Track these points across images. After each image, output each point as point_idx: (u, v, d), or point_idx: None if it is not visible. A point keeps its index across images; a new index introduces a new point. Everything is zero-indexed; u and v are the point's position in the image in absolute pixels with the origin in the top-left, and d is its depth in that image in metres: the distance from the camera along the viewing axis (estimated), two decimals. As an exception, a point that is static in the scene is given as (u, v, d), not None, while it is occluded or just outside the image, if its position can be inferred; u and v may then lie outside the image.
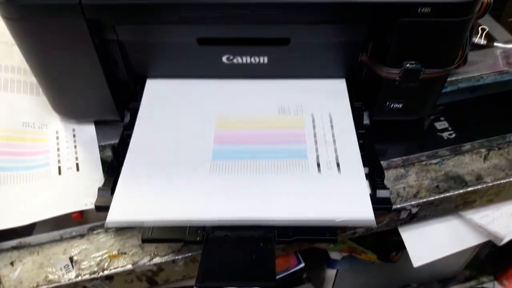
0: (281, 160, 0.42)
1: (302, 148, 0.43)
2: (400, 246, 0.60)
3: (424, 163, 0.50)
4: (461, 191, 0.47)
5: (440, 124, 0.58)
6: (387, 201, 0.41)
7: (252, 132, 0.45)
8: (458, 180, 0.48)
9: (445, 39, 0.41)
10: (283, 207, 0.38)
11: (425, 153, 0.51)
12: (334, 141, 0.44)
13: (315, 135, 0.44)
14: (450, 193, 0.47)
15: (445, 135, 0.56)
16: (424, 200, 0.47)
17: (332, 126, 0.45)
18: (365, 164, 0.42)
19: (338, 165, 0.41)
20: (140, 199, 0.38)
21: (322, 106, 0.47)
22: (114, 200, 0.38)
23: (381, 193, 0.41)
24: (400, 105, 0.47)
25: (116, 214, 0.37)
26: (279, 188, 0.39)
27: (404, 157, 0.50)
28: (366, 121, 0.48)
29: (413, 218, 0.49)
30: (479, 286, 0.93)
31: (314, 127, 0.45)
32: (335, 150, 0.43)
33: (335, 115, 0.46)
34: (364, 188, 0.40)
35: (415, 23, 0.39)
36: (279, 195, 0.39)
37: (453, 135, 0.56)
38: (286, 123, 0.46)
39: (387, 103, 0.47)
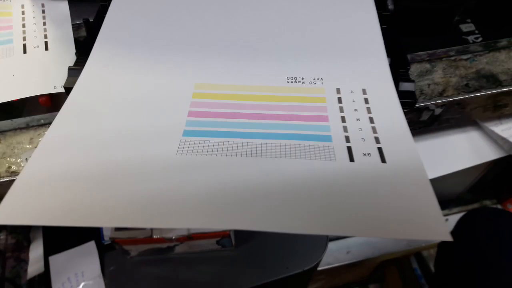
0: (287, 142, 0.28)
1: (322, 126, 0.29)
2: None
3: (453, 58, 0.43)
4: (493, 91, 0.41)
5: (466, 27, 0.51)
6: (411, 95, 0.35)
7: (245, 104, 0.31)
8: (492, 79, 0.41)
9: None
10: (292, 224, 0.23)
11: (454, 48, 0.43)
12: (371, 118, 0.30)
13: (341, 109, 0.30)
14: (481, 93, 0.40)
15: (471, 38, 0.49)
16: (451, 99, 0.40)
17: (366, 98, 0.31)
18: (388, 53, 0.35)
19: (380, 150, 0.27)
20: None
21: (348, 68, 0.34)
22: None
23: (404, 86, 0.35)
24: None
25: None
26: (282, 190, 0.25)
27: (430, 51, 0.43)
28: (390, 5, 0.41)
29: (435, 121, 0.43)
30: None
31: (339, 99, 0.31)
32: (374, 129, 0.29)
33: (369, 77, 0.33)
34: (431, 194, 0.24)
35: None
36: (283, 202, 0.24)
37: (480, 39, 0.48)
38: (299, 95, 0.32)
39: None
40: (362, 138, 0.28)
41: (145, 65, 0.33)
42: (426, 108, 0.40)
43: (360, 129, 0.29)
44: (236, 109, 0.30)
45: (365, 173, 0.26)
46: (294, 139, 0.28)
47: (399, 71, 0.35)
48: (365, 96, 0.31)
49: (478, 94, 0.40)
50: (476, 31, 0.50)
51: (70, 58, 0.38)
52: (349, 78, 0.32)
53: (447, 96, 0.40)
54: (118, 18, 0.37)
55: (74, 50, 0.40)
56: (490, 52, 0.44)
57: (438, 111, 0.41)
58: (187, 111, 0.30)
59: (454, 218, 0.89)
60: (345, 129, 0.29)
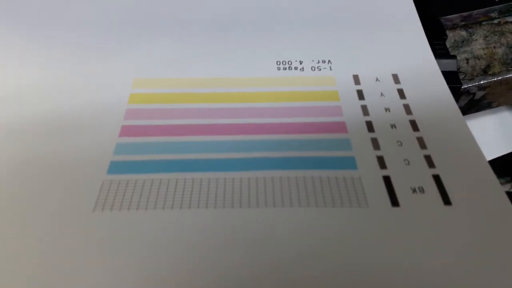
0: (280, 174, 0.17)
1: (339, 141, 0.18)
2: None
3: (496, 21, 0.32)
4: (554, 64, 0.30)
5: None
6: (453, 77, 0.24)
7: (209, 109, 0.19)
8: (549, 48, 0.31)
9: None
10: None
11: (497, 7, 0.32)
12: (413, 122, 0.19)
13: (365, 110, 0.19)
14: (539, 67, 0.30)
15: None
16: (499, 77, 0.29)
17: (400, 89, 0.20)
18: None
19: (438, 180, 0.16)
20: None
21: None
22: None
23: (444, 65, 0.24)
24: None
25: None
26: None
27: (465, 14, 0.32)
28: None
29: (473, 106, 0.33)
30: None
31: (360, 93, 0.20)
32: (421, 141, 0.18)
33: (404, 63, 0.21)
34: None
35: None
36: None
37: None
38: (297, 89, 0.20)
39: None
40: (405, 160, 0.17)
41: (56, 56, 0.21)
42: (466, 91, 0.30)
43: (399, 143, 0.18)
44: (195, 119, 0.19)
45: (417, 228, 0.15)
46: (290, 168, 0.17)
47: (433, 43, 0.25)
48: (398, 86, 0.20)
49: (534, 69, 0.30)
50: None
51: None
52: (370, 59, 0.21)
53: (493, 75, 0.29)
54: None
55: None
56: (543, 11, 0.33)
57: (479, 94, 0.31)
58: (118, 128, 0.18)
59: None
60: (375, 144, 0.18)
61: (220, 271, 0.14)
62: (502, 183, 0.80)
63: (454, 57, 0.26)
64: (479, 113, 0.42)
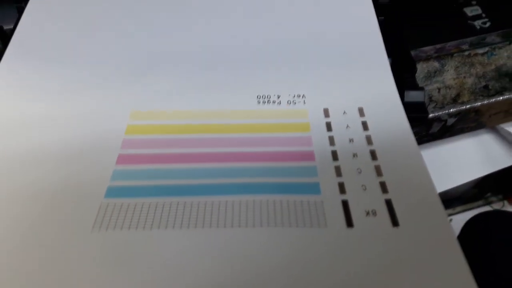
0: (253, 198, 0.19)
1: (306, 168, 0.21)
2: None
3: (466, 53, 0.35)
4: (519, 92, 0.33)
5: (472, 10, 0.43)
6: (420, 107, 0.27)
7: (195, 139, 0.22)
8: (515, 77, 0.33)
9: None
10: None
11: (467, 40, 0.35)
12: (373, 152, 0.21)
13: (332, 140, 0.22)
14: (505, 96, 0.32)
15: (478, 23, 0.41)
16: (468, 106, 0.32)
17: (364, 121, 0.23)
18: (388, 52, 0.27)
19: (389, 205, 0.19)
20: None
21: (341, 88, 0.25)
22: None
23: (412, 96, 0.26)
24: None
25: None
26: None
27: (438, 46, 0.35)
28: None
29: (446, 132, 0.35)
30: (487, 205, 0.84)
31: (329, 125, 0.23)
32: (378, 170, 0.20)
33: (368, 100, 0.24)
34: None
35: None
36: None
37: (488, 24, 0.40)
38: (275, 121, 0.23)
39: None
40: (362, 185, 0.20)
41: (62, 89, 0.24)
42: (437, 118, 0.32)
43: (359, 171, 0.20)
44: (182, 148, 0.21)
45: (367, 246, 0.17)
46: (263, 193, 0.19)
47: (403, 76, 0.27)
48: (363, 119, 0.23)
49: (501, 98, 0.32)
50: (483, 15, 0.42)
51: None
52: (340, 93, 0.24)
53: (463, 103, 0.32)
54: (34, 22, 0.28)
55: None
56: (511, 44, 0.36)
57: (451, 121, 0.33)
58: (115, 156, 0.21)
59: (458, 218, 0.83)
60: (338, 171, 0.20)
61: (195, 280, 0.16)
62: (494, 201, 0.82)
63: (422, 88, 0.28)
64: (460, 135, 0.44)
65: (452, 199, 0.83)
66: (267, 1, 0.29)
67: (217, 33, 0.27)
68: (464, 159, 0.46)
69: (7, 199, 0.19)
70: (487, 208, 0.83)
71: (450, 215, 0.82)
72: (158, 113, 0.23)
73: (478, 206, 0.83)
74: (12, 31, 0.30)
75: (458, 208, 0.84)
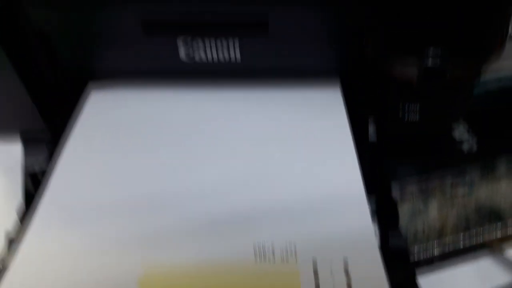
0: None
1: None
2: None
3: (447, 196, 0.38)
4: (499, 231, 0.36)
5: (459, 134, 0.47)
6: (402, 253, 0.29)
7: None
8: (494, 215, 0.37)
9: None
10: None
11: (449, 174, 0.39)
12: None
13: None
14: (485, 234, 0.35)
15: (465, 147, 0.45)
16: (450, 245, 0.35)
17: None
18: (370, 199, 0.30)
19: None
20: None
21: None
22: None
23: (396, 247, 0.29)
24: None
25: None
26: None
27: (423, 184, 0.38)
28: (372, 138, 0.37)
29: (431, 262, 0.38)
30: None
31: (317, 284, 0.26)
32: None
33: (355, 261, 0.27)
34: None
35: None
36: None
37: (475, 149, 0.45)
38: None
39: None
40: None
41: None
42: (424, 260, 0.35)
43: None
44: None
45: None
46: None
47: (388, 233, 0.30)
48: (347, 281, 0.26)
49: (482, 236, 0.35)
50: (470, 140, 0.46)
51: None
52: (327, 254, 0.27)
53: (445, 243, 0.35)
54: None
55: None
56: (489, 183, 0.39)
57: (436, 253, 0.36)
58: None
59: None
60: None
61: None
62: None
63: (405, 241, 0.31)
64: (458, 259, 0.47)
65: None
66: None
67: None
68: (456, 279, 0.48)
69: None
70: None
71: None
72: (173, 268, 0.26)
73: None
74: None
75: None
